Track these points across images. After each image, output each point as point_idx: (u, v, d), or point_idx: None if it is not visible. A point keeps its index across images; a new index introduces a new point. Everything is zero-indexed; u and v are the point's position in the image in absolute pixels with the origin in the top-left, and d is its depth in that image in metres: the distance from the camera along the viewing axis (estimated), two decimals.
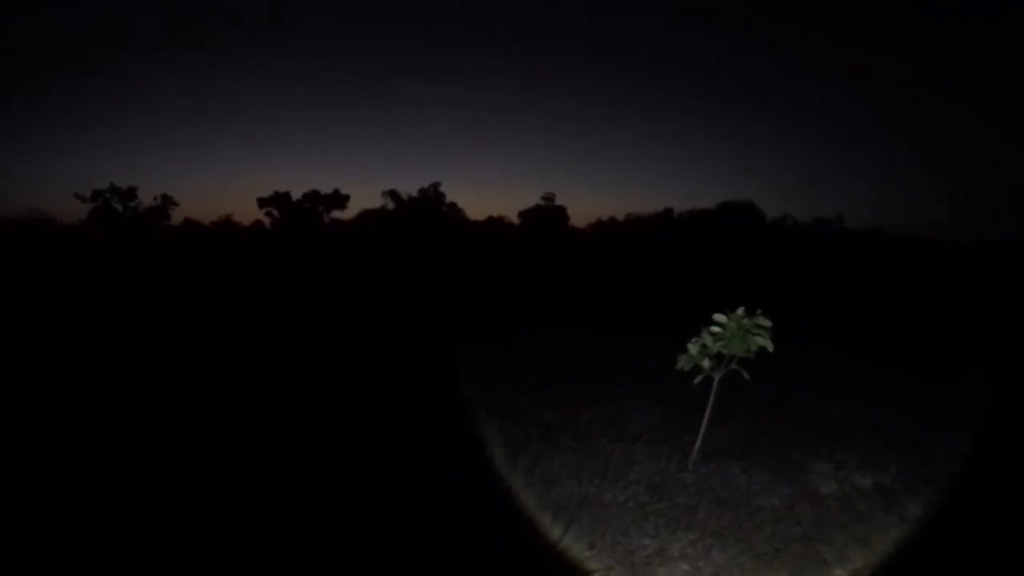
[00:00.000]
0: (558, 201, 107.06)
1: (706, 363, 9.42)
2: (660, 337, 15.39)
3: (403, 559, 7.58)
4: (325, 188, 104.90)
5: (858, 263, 66.77)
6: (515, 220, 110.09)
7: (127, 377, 14.98)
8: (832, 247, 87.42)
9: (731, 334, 9.19)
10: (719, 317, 9.32)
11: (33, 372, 15.31)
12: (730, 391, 10.38)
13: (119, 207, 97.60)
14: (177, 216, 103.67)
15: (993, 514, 8.68)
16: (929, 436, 11.53)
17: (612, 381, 14.79)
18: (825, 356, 18.06)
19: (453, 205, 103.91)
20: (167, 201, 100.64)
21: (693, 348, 9.53)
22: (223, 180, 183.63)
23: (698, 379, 9.63)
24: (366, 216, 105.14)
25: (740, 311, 9.27)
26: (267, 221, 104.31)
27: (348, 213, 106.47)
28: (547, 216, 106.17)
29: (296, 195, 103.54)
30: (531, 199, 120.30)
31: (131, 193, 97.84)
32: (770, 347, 9.07)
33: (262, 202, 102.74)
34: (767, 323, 9.13)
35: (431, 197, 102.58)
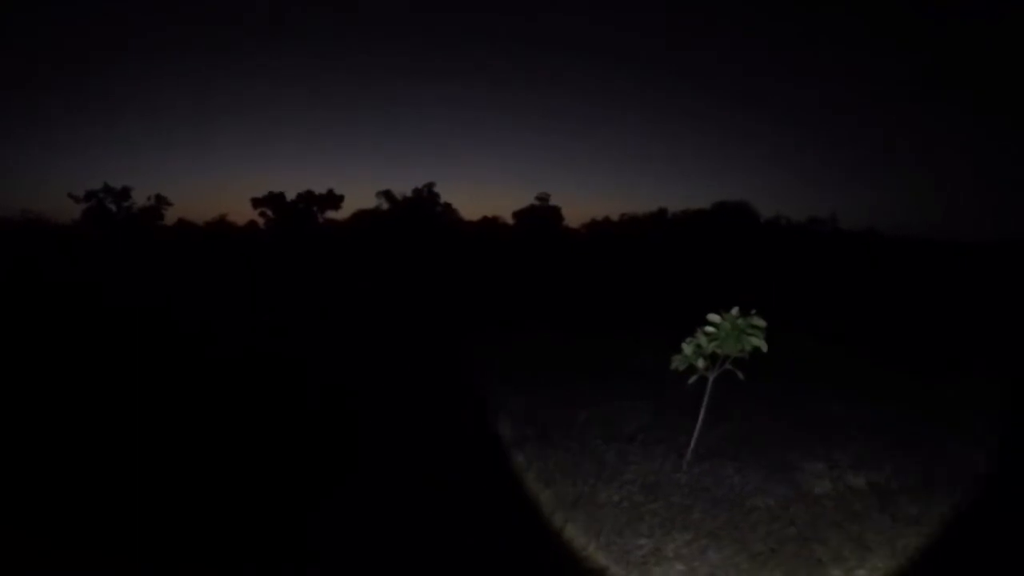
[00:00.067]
0: (552, 201, 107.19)
1: (701, 363, 9.44)
2: (655, 337, 15.41)
3: (401, 559, 7.58)
4: (319, 188, 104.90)
5: (853, 263, 66.84)
6: (509, 220, 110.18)
7: (124, 377, 14.96)
8: (827, 247, 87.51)
9: (725, 334, 9.20)
10: (713, 317, 9.34)
11: (30, 372, 15.29)
12: (725, 391, 10.41)
13: (113, 207, 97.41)
14: (171, 216, 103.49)
15: (992, 514, 8.73)
16: (926, 436, 11.56)
17: (607, 381, 14.79)
18: (821, 356, 18.09)
19: (447, 205, 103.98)
20: (160, 201, 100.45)
21: (688, 348, 9.55)
22: (217, 180, 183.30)
23: (693, 379, 9.65)
24: (360, 216, 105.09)
25: (734, 311, 9.28)
26: (261, 221, 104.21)
27: (342, 213, 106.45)
28: (541, 216, 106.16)
29: (291, 195, 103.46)
30: (525, 199, 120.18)
31: (125, 193, 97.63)
32: (764, 347, 9.08)
33: (256, 202, 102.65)
34: (761, 323, 9.15)
35: (425, 197, 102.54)
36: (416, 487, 9.45)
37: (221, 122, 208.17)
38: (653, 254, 73.49)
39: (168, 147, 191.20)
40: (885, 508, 8.71)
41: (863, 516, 8.49)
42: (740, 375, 9.38)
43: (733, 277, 44.60)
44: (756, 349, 9.13)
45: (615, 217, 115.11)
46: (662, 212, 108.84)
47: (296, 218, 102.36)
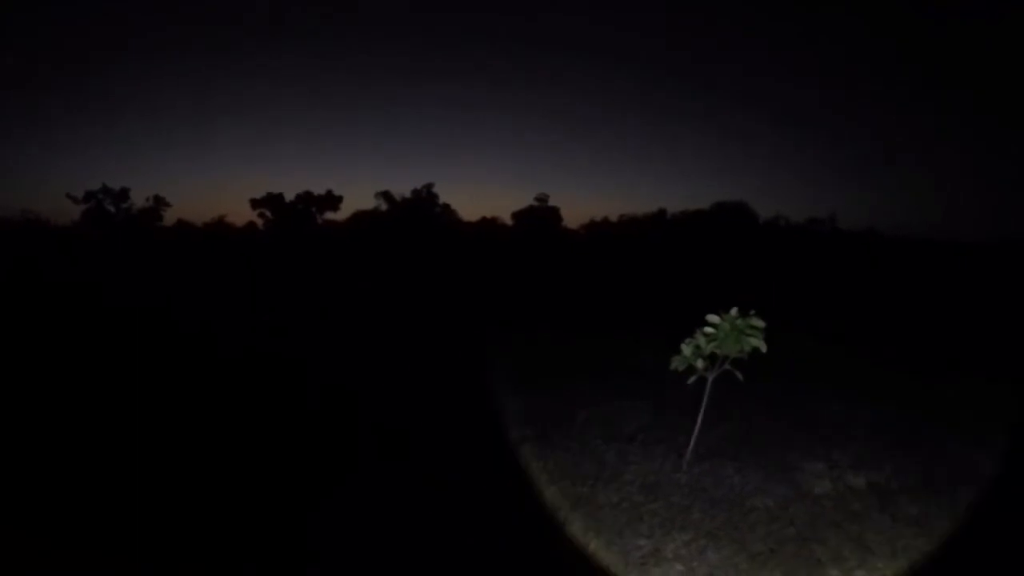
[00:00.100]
0: (552, 202, 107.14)
1: (700, 364, 9.44)
2: (654, 337, 15.43)
3: (401, 559, 7.59)
4: (318, 189, 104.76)
5: (853, 263, 66.86)
6: (508, 221, 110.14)
7: (123, 377, 14.97)
8: (826, 247, 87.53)
9: (725, 335, 9.19)
10: (712, 318, 9.34)
11: (30, 372, 15.29)
12: (724, 391, 10.41)
13: (111, 208, 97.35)
14: (170, 217, 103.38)
15: (993, 515, 8.73)
16: (925, 436, 11.56)
17: (606, 381, 14.77)
18: (820, 356, 18.08)
19: (446, 206, 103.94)
20: (159, 202, 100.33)
21: (687, 349, 9.54)
22: (216, 181, 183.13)
23: (692, 380, 9.65)
24: (359, 217, 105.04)
25: (734, 312, 9.28)
26: (260, 222, 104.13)
27: (341, 214, 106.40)
28: (540, 217, 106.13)
29: (290, 196, 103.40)
30: (524, 200, 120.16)
31: (123, 194, 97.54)
32: (763, 348, 9.08)
33: (255, 203, 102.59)
34: (760, 324, 9.14)
35: (424, 198, 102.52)
36: (416, 487, 9.46)
37: (220, 122, 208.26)
38: (652, 255, 73.48)
39: (167, 147, 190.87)
40: (885, 508, 8.70)
41: (863, 516, 8.49)
42: (739, 375, 9.37)
43: (732, 277, 44.61)
44: (755, 349, 9.13)
45: (614, 218, 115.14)
46: (661, 213, 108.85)
47: (295, 219, 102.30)
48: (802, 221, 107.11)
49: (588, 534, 8.03)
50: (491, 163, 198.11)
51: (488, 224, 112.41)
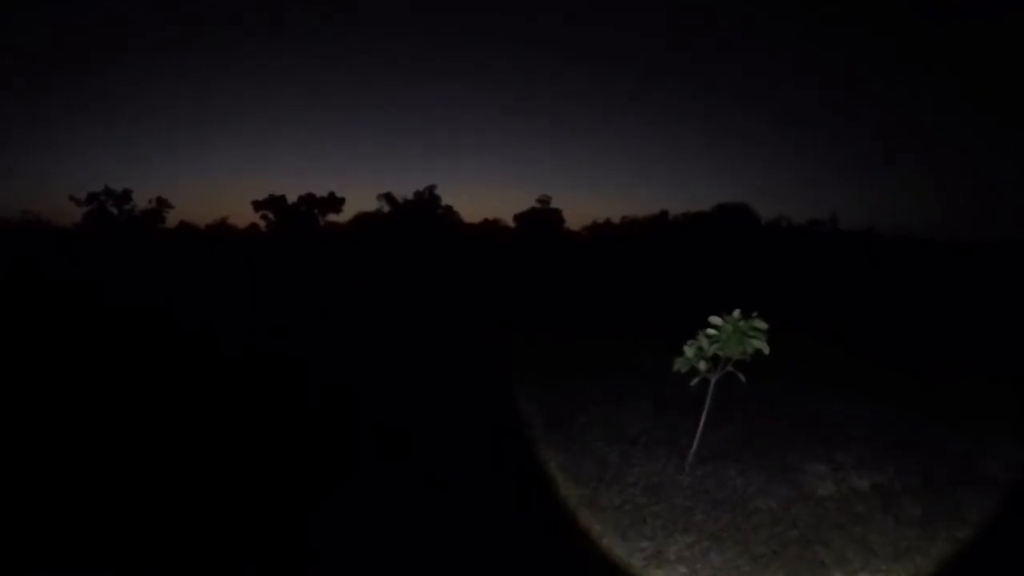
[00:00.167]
0: (554, 203, 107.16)
1: (702, 365, 9.42)
2: (656, 339, 15.42)
3: (401, 559, 7.57)
4: (320, 191, 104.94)
5: (854, 264, 66.86)
6: (510, 223, 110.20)
7: (123, 377, 14.96)
8: (827, 248, 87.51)
9: (727, 336, 9.17)
10: (715, 320, 9.32)
11: (31, 373, 15.28)
12: (726, 392, 10.38)
13: (114, 210, 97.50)
14: (172, 219, 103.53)
15: (995, 516, 8.70)
16: (926, 436, 11.55)
17: (609, 383, 14.74)
18: (822, 357, 18.06)
19: (448, 208, 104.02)
20: (162, 204, 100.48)
21: (689, 350, 9.52)
22: (218, 182, 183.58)
23: (694, 381, 9.62)
24: (361, 219, 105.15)
25: (736, 313, 9.26)
26: (263, 224, 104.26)
27: (344, 216, 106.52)
28: (542, 219, 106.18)
29: (292, 198, 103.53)
30: (526, 202, 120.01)
31: (126, 196, 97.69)
32: (766, 349, 9.06)
33: (257, 205, 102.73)
34: (763, 325, 9.12)
35: (426, 200, 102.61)
36: (416, 487, 9.44)
37: (222, 124, 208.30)
38: (654, 256, 73.49)
39: (169, 149, 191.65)
40: (888, 510, 8.68)
41: (866, 518, 8.47)
42: (742, 377, 9.35)
43: (734, 279, 44.57)
44: (758, 351, 9.11)
45: (616, 219, 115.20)
46: (663, 214, 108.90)
47: (297, 221, 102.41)
48: (803, 222, 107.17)
49: (591, 536, 8.00)
50: (493, 164, 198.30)
51: (490, 226, 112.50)
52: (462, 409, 13.21)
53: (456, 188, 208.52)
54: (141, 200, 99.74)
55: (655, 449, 10.73)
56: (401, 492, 9.26)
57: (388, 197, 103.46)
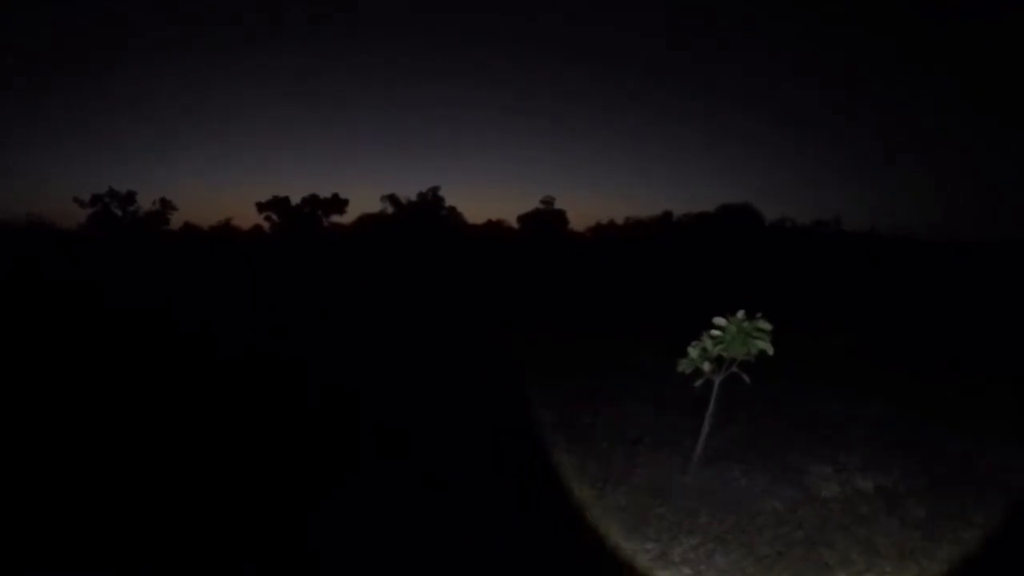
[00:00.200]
0: (558, 204, 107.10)
1: (706, 366, 9.40)
2: (660, 340, 15.39)
3: (401, 559, 7.57)
4: (324, 192, 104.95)
5: (857, 264, 66.77)
6: (514, 224, 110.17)
7: (124, 377, 15.00)
8: (831, 249, 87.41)
9: (731, 337, 9.16)
10: (719, 320, 9.30)
11: (31, 373, 15.31)
12: (730, 393, 10.34)
13: (118, 212, 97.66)
14: (177, 220, 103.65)
15: (999, 517, 8.68)
16: (930, 437, 11.54)
17: (612, 384, 14.75)
18: (824, 357, 18.06)
19: (452, 209, 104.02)
20: (166, 205, 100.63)
21: (693, 351, 9.51)
22: (222, 184, 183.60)
23: (698, 382, 9.61)
24: (365, 220, 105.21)
25: (740, 314, 9.24)
26: (267, 225, 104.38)
27: (347, 217, 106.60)
28: (546, 220, 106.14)
29: (295, 199, 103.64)
30: (530, 203, 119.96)
31: (130, 197, 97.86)
32: (770, 350, 9.05)
33: (261, 206, 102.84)
34: (767, 326, 9.11)
35: (430, 201, 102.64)
36: (416, 487, 9.45)
37: (225, 125, 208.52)
38: (658, 257, 73.44)
39: (173, 151, 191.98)
40: (893, 511, 8.67)
41: (871, 519, 8.46)
42: (746, 378, 9.33)
43: (738, 279, 44.51)
44: (762, 351, 9.09)
45: (620, 220, 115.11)
46: (667, 215, 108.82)
47: (301, 222, 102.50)
48: (808, 223, 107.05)
49: (594, 537, 7.99)
50: (496, 165, 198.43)
51: (494, 227, 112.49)
52: (462, 409, 13.25)
53: (459, 189, 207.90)
54: (145, 202, 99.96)
55: (659, 450, 10.74)
56: (401, 492, 9.28)
57: (392, 198, 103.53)
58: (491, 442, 11.41)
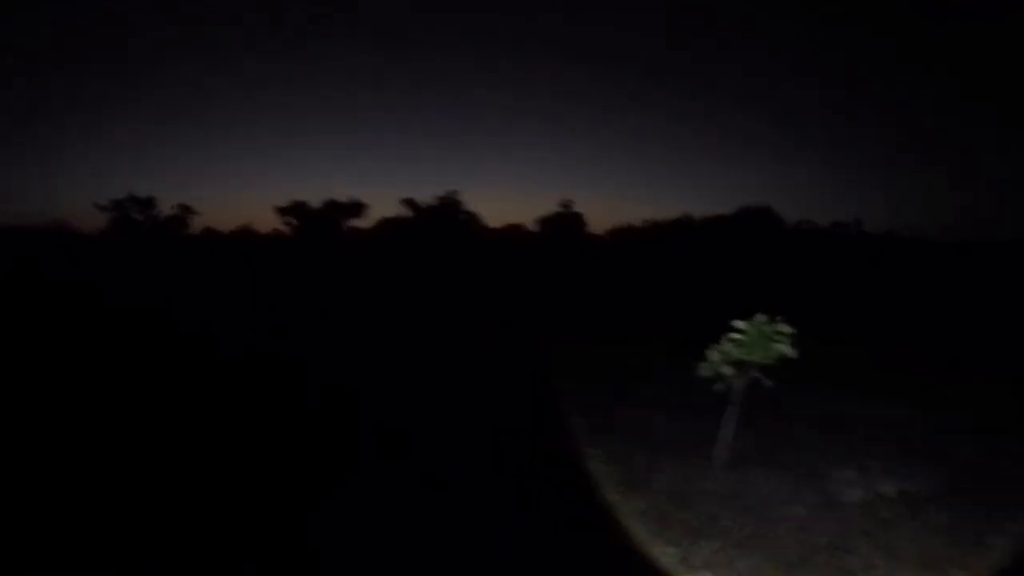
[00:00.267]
0: (576, 207, 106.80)
1: (727, 370, 9.39)
2: (680, 344, 15.33)
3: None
4: (343, 197, 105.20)
5: (877, 266, 66.33)
6: (533, 227, 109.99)
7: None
8: (851, 251, 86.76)
9: (752, 341, 9.15)
10: (740, 324, 9.28)
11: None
12: (751, 397, 10.32)
13: (138, 217, 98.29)
14: (197, 225, 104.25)
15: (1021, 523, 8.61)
16: (953, 441, 11.45)
17: (633, 388, 14.73)
18: (846, 360, 17.96)
19: (471, 213, 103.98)
20: (186, 210, 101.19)
21: (714, 355, 9.50)
22: (241, 189, 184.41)
23: (719, 386, 9.59)
24: (384, 225, 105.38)
25: (761, 318, 9.22)
26: (286, 230, 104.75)
27: (367, 222, 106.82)
28: (565, 223, 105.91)
29: (315, 204, 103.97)
30: (549, 205, 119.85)
31: (150, 202, 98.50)
32: (791, 353, 9.02)
33: (281, 211, 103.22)
34: (788, 329, 9.09)
35: (449, 205, 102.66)
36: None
37: (245, 131, 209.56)
38: (677, 260, 73.23)
39: (193, 157, 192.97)
40: (915, 516, 8.62)
41: (894, 525, 8.41)
42: (767, 382, 9.31)
43: (758, 283, 44.30)
44: (782, 355, 9.07)
45: (638, 223, 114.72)
46: (685, 218, 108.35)
47: (321, 227, 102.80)
48: (827, 225, 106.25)
49: (616, 541, 7.99)
50: (515, 168, 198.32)
51: (513, 231, 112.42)
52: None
53: (478, 192, 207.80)
54: (164, 207, 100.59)
55: (681, 455, 10.71)
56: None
57: (410, 203, 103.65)
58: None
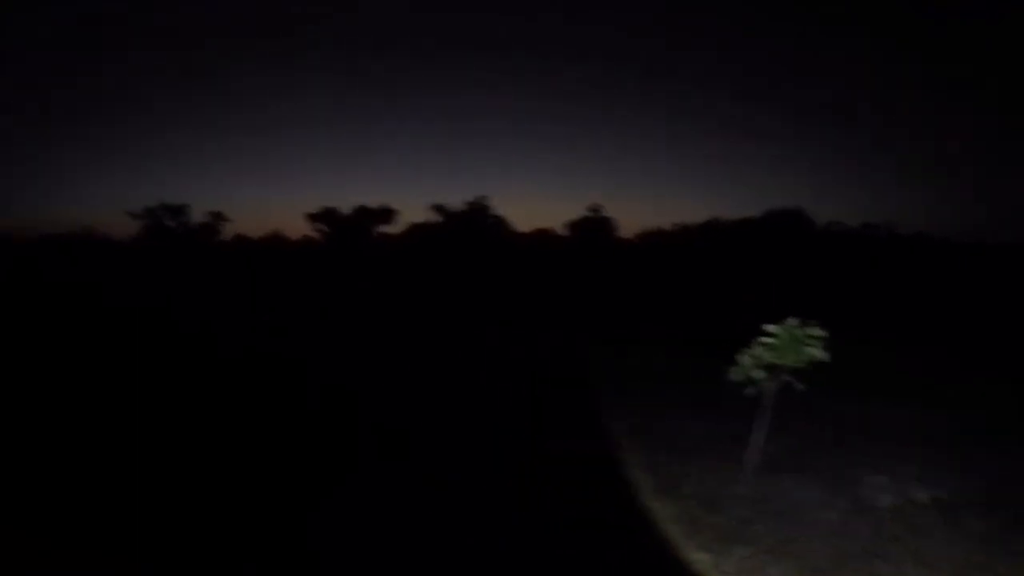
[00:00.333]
0: (606, 211, 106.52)
1: (758, 374, 9.35)
2: (711, 348, 15.29)
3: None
4: (373, 203, 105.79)
5: (907, 268, 65.59)
6: (562, 231, 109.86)
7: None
8: (881, 253, 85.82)
9: (783, 344, 9.11)
10: (771, 328, 9.25)
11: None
12: (783, 401, 10.28)
13: (171, 224, 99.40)
14: (229, 232, 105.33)
15: None
16: (988, 447, 11.32)
17: (665, 393, 14.71)
18: (876, 363, 17.81)
19: (500, 218, 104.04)
20: (217, 217, 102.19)
21: (745, 359, 9.47)
22: (272, 196, 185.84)
23: (750, 390, 9.55)
24: (414, 231, 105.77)
25: (793, 321, 9.19)
26: (317, 236, 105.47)
27: (396, 227, 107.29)
28: (594, 228, 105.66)
29: (345, 210, 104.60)
30: (578, 210, 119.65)
31: (181, 210, 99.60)
32: (824, 357, 8.98)
33: (312, 217, 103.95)
34: (820, 333, 9.04)
35: (478, 210, 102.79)
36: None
37: (274, 138, 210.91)
38: (707, 264, 72.84)
39: (223, 164, 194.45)
40: (948, 523, 8.53)
41: (926, 531, 8.34)
42: (799, 386, 9.26)
43: (789, 286, 43.96)
44: (813, 359, 9.03)
45: (668, 226, 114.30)
46: (715, 221, 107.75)
47: (351, 233, 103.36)
48: (857, 226, 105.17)
49: (649, 545, 7.99)
50: (544, 173, 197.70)
51: (542, 235, 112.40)
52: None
53: (507, 197, 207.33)
54: (198, 214, 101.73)
55: (712, 460, 10.69)
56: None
57: (440, 208, 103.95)
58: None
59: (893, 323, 27.16)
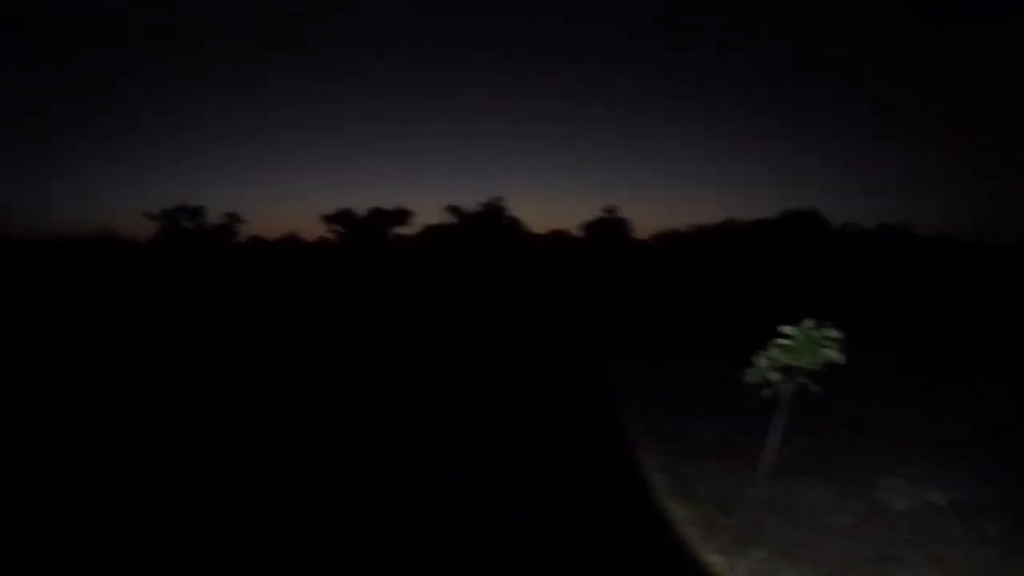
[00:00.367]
0: (621, 211, 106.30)
1: (775, 376, 9.31)
2: (726, 350, 15.23)
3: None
4: (388, 204, 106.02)
5: (925, 270, 65.15)
6: (577, 233, 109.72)
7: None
8: (896, 253, 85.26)
9: (800, 346, 9.07)
10: (787, 329, 9.21)
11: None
12: (798, 403, 10.24)
13: (188, 225, 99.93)
14: (244, 233, 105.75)
15: None
16: (1003, 449, 11.24)
17: (677, 395, 14.66)
18: (891, 364, 17.70)
19: (514, 219, 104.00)
20: (233, 219, 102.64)
21: (762, 361, 9.43)
22: (288, 198, 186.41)
23: (767, 392, 9.51)
24: (429, 232, 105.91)
25: (809, 323, 9.14)
26: (333, 237, 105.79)
27: (412, 229, 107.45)
28: (610, 229, 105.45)
29: (361, 212, 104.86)
30: (593, 211, 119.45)
31: (198, 212, 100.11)
32: (840, 359, 8.93)
33: (328, 219, 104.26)
34: (837, 335, 9.00)
35: (493, 211, 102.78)
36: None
37: (290, 140, 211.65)
38: (722, 265, 72.60)
39: (239, 165, 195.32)
40: (965, 526, 8.47)
41: (942, 534, 8.29)
42: (815, 387, 9.21)
43: (804, 287, 43.74)
44: (831, 360, 8.99)
45: (684, 228, 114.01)
46: (729, 222, 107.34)
47: (367, 234, 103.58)
48: (872, 227, 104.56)
49: (663, 547, 7.97)
50: (560, 174, 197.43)
51: (557, 237, 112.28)
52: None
53: (522, 198, 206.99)
54: (215, 216, 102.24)
55: (727, 462, 10.66)
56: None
57: (455, 210, 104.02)
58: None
59: (907, 324, 26.97)
